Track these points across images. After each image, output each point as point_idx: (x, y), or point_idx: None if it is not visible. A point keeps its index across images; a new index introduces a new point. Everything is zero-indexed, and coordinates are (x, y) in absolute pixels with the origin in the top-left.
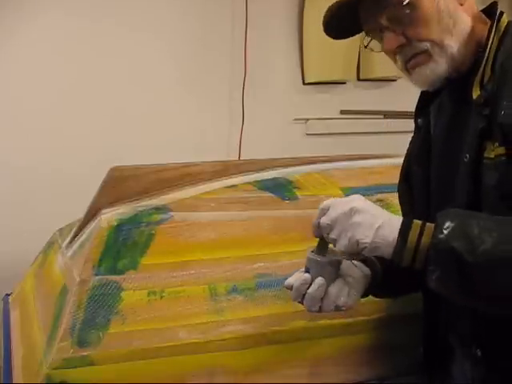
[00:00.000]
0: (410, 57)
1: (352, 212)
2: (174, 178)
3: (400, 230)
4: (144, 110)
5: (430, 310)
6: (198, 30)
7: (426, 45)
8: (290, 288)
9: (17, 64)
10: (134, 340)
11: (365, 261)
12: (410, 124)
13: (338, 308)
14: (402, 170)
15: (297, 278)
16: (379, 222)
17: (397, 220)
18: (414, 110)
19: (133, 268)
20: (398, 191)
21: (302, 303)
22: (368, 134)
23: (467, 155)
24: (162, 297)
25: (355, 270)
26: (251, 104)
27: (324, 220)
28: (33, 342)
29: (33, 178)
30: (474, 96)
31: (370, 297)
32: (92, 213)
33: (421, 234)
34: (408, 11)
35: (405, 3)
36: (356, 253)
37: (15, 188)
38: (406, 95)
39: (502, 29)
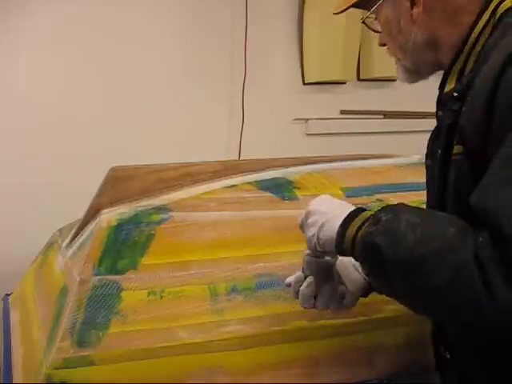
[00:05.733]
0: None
1: (307, 215)
2: (174, 178)
3: (342, 222)
4: (144, 110)
5: None
6: (198, 30)
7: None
8: (289, 285)
9: (16, 63)
10: (134, 340)
11: None
12: (409, 124)
13: (332, 310)
14: None
15: (294, 276)
16: (323, 220)
17: (343, 214)
18: (413, 110)
19: (133, 268)
20: None
21: None
22: (368, 133)
23: (439, 151)
24: (161, 297)
25: (352, 270)
26: (251, 104)
27: (298, 221)
28: (33, 342)
29: (33, 178)
30: (447, 88)
31: (371, 297)
32: (92, 213)
33: (360, 226)
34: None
35: (366, 15)
36: (318, 250)
37: (15, 188)
38: (406, 95)
39: (497, 16)
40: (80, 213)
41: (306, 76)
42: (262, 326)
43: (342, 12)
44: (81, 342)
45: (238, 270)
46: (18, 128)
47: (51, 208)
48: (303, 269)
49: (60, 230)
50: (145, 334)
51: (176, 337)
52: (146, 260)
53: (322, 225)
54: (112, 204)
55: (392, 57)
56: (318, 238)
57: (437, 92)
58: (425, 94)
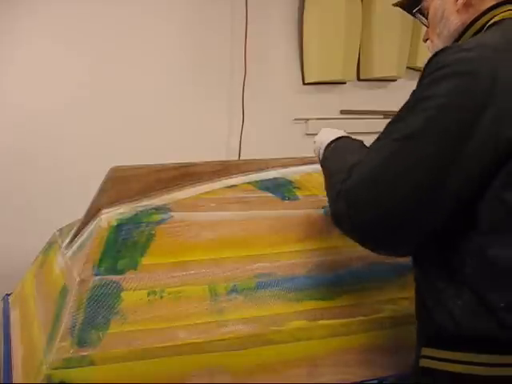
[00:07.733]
0: None
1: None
2: (173, 178)
3: (325, 146)
4: (144, 110)
5: None
6: (198, 30)
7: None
8: None
9: (16, 63)
10: (134, 340)
11: None
12: None
13: None
14: None
15: None
16: (319, 145)
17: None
18: None
19: (133, 268)
20: None
21: None
22: (368, 134)
23: None
24: (161, 297)
25: None
26: (251, 104)
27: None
28: (33, 342)
29: (33, 178)
30: None
31: (371, 297)
32: (92, 213)
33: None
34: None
35: (415, 10)
36: None
37: (15, 188)
38: (406, 95)
39: (484, 21)
40: (80, 213)
41: (306, 76)
42: (261, 326)
43: (400, 5)
44: (81, 342)
45: (237, 270)
46: (17, 128)
47: (51, 208)
48: None
49: (60, 230)
50: (145, 334)
51: (176, 337)
52: (145, 260)
53: (319, 144)
54: (112, 204)
55: (431, 52)
56: (314, 152)
57: None
58: None
